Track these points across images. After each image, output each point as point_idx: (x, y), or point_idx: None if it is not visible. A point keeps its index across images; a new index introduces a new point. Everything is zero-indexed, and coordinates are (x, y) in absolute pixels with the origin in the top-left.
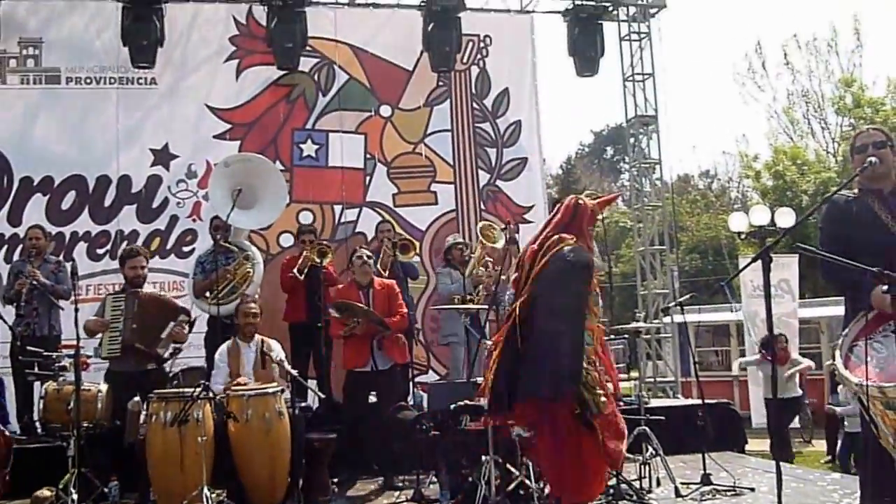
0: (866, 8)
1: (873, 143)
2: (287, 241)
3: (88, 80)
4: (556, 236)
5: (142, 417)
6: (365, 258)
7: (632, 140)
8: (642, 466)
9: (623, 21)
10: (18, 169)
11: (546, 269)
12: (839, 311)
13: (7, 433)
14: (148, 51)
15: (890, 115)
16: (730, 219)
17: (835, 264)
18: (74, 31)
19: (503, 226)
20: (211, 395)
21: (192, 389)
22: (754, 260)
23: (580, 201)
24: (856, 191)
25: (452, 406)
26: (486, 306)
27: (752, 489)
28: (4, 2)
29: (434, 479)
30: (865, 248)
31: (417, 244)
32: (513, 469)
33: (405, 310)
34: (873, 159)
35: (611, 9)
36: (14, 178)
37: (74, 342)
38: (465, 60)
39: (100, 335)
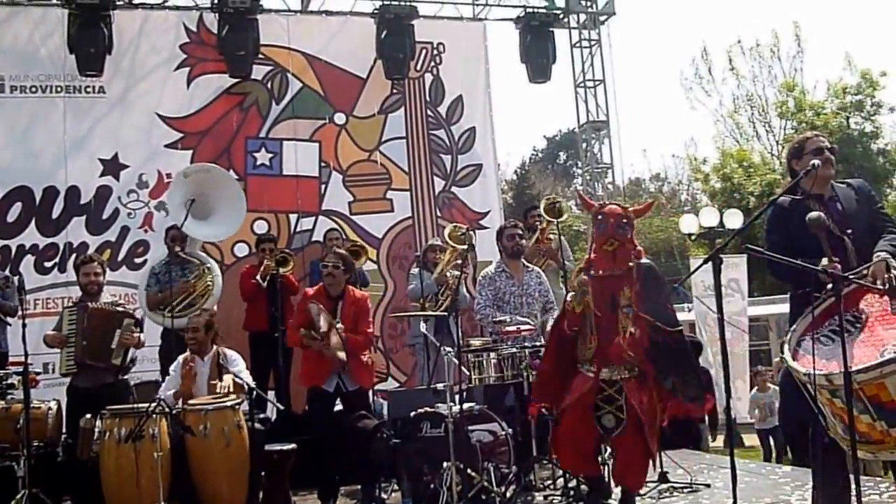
0: (806, 14)
1: (816, 149)
2: (242, 250)
3: (34, 89)
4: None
5: (95, 434)
6: (330, 268)
7: (584, 145)
8: (602, 466)
9: (574, 28)
10: None
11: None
12: (787, 308)
13: None
14: (96, 59)
15: (830, 118)
16: (680, 221)
17: (783, 263)
18: (18, 39)
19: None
20: (167, 409)
21: (146, 405)
22: (706, 261)
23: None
24: (798, 195)
25: (413, 413)
26: (445, 312)
27: (708, 485)
28: None
29: (396, 487)
30: (810, 248)
31: (370, 250)
32: (474, 474)
33: (371, 329)
34: (817, 162)
35: (562, 16)
36: None
37: (22, 359)
38: (418, 68)
39: (59, 350)
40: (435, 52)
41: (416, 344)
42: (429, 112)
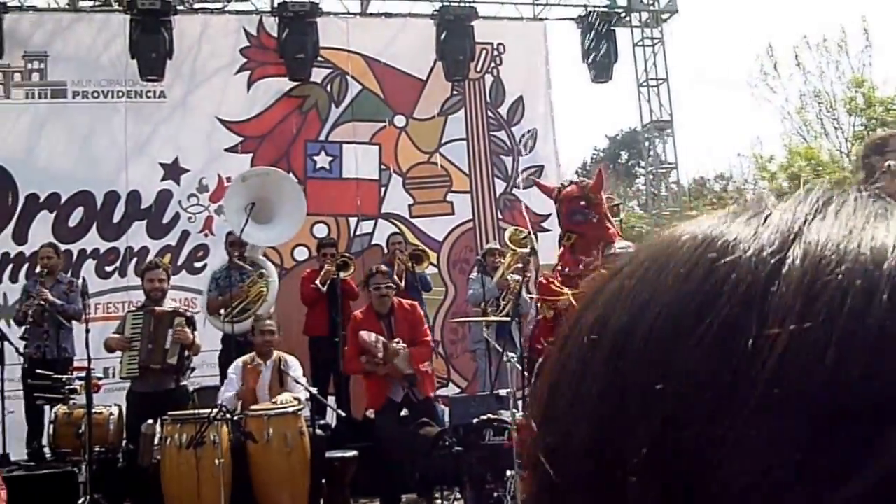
0: (874, 8)
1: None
2: (302, 254)
3: (96, 94)
4: None
5: (156, 440)
6: (383, 289)
7: (647, 144)
8: None
9: (636, 27)
10: (24, 185)
11: None
12: None
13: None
14: (157, 63)
15: None
16: None
17: None
18: (81, 45)
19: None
20: (228, 416)
21: (207, 410)
22: None
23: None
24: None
25: (475, 420)
26: (507, 318)
27: None
28: (8, 15)
29: (458, 496)
30: None
31: (432, 254)
32: None
33: (429, 336)
34: (892, 163)
35: (623, 15)
36: (19, 194)
37: (86, 364)
38: (478, 69)
39: (119, 353)
40: (495, 52)
41: (477, 349)
42: (489, 113)
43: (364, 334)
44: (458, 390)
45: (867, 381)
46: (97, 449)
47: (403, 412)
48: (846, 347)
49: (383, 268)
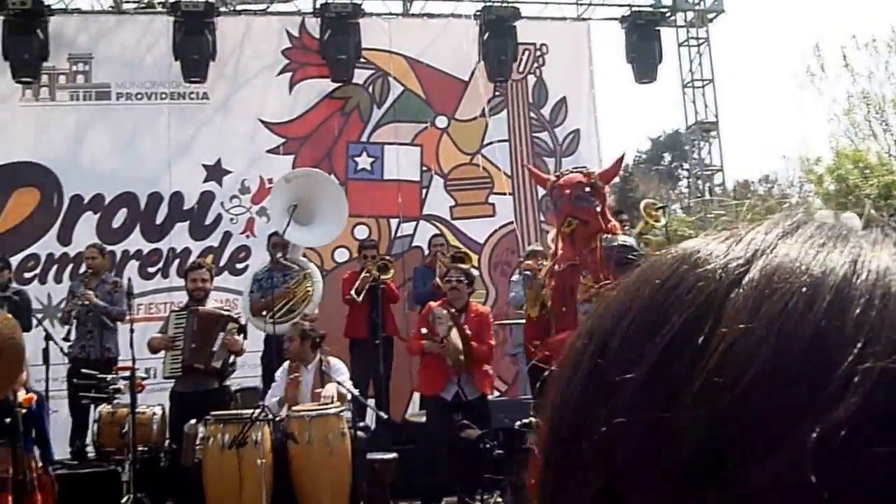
0: None
1: None
2: (342, 256)
3: (139, 96)
4: None
5: (198, 440)
6: (454, 282)
7: (691, 146)
8: None
9: (681, 27)
10: (69, 187)
11: None
12: None
13: (52, 477)
14: (200, 65)
15: None
16: None
17: None
18: (125, 47)
19: None
20: (270, 416)
21: (250, 411)
22: None
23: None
24: None
25: (517, 424)
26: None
27: None
28: (53, 18)
29: (499, 499)
30: None
31: (473, 257)
32: None
33: (493, 342)
34: None
35: (668, 15)
36: (64, 196)
37: (130, 364)
38: (521, 69)
39: (163, 353)
40: (538, 53)
41: (517, 353)
42: (532, 114)
43: (438, 309)
44: (498, 394)
45: (799, 375)
46: (140, 448)
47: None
48: (783, 345)
49: (460, 265)
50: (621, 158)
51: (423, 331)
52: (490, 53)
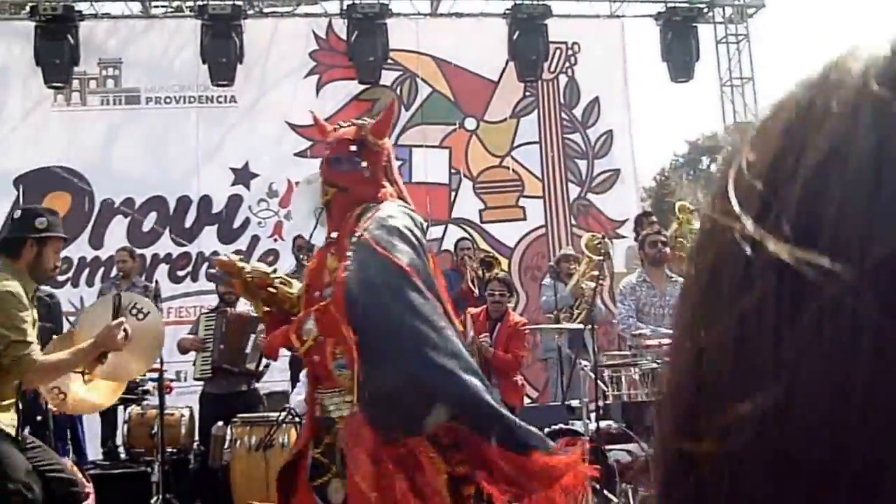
0: None
1: None
2: None
3: (168, 100)
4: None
5: (226, 442)
6: (497, 296)
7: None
8: None
9: (719, 23)
10: (100, 191)
11: None
12: None
13: (85, 479)
14: (227, 68)
15: None
16: None
17: None
18: (154, 51)
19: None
20: (296, 419)
21: (276, 414)
22: None
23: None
24: None
25: (546, 430)
26: (581, 325)
27: None
28: (84, 23)
29: None
30: None
31: (503, 261)
32: (612, 496)
33: (524, 353)
34: None
35: (706, 11)
36: (95, 200)
37: (158, 366)
38: (552, 69)
39: (193, 354)
40: (570, 52)
41: (548, 358)
42: (563, 115)
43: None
44: (528, 400)
45: None
46: (169, 450)
47: None
48: None
49: (501, 275)
50: (390, 106)
51: None
52: (520, 53)
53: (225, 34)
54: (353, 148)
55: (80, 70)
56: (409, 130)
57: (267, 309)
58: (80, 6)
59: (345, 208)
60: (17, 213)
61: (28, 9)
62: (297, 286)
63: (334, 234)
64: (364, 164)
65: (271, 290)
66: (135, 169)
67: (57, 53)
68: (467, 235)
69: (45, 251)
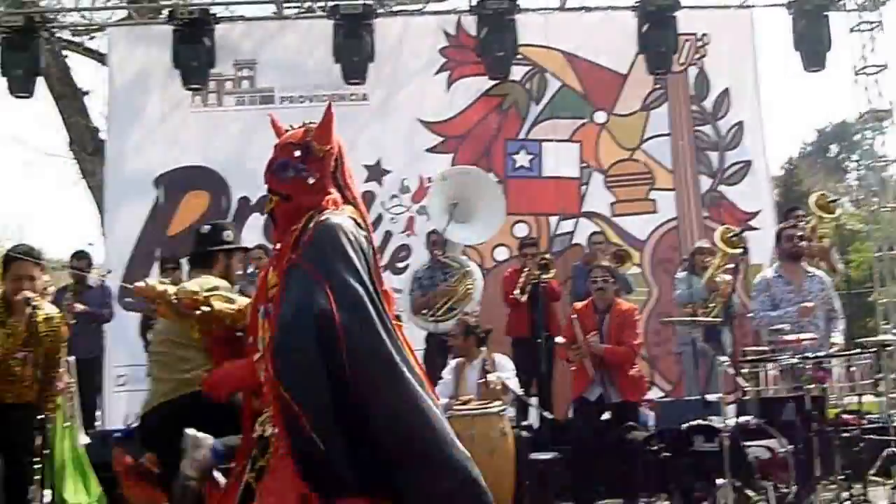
0: None
1: None
2: (501, 254)
3: (301, 99)
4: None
5: None
6: (599, 282)
7: (861, 137)
8: (893, 491)
9: (852, 10)
10: (236, 189)
11: None
12: None
13: None
14: (359, 67)
15: None
16: None
17: None
18: (287, 51)
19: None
20: None
21: None
22: None
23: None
24: None
25: (684, 425)
26: (718, 319)
27: None
28: (219, 25)
29: (665, 503)
30: None
31: (635, 254)
32: (751, 493)
33: (637, 341)
34: None
35: None
36: (232, 198)
37: None
38: (682, 61)
39: None
40: (699, 43)
41: (683, 352)
42: (694, 107)
43: (572, 318)
44: (661, 394)
45: None
46: None
47: (606, 415)
48: None
49: (604, 262)
50: (329, 108)
51: (559, 339)
52: (649, 45)
53: (357, 33)
54: (298, 153)
55: (217, 72)
56: (540, 125)
57: (204, 330)
58: (215, 9)
59: (289, 217)
60: (205, 229)
61: (166, 13)
62: (240, 301)
63: (278, 245)
64: (308, 170)
65: (204, 308)
66: None
67: (194, 56)
68: (598, 229)
69: (232, 262)
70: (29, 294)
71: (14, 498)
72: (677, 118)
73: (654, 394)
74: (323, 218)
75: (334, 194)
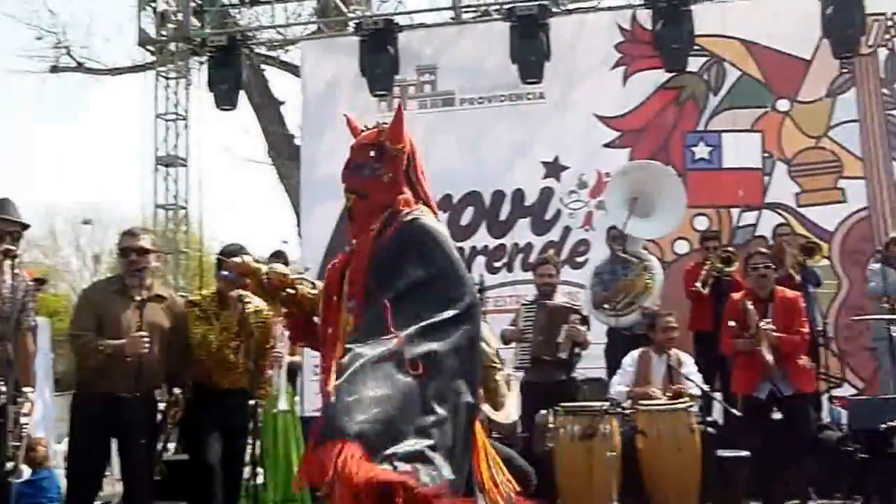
0: None
1: None
2: (682, 248)
3: (481, 100)
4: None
5: (549, 429)
6: (761, 269)
7: None
8: None
9: None
10: None
11: None
12: None
13: None
14: (536, 66)
15: None
16: None
17: None
18: (466, 55)
19: None
20: (619, 410)
21: (599, 403)
22: None
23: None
24: None
25: (883, 425)
26: None
27: None
28: (402, 34)
29: None
30: None
31: (824, 246)
32: None
33: (806, 329)
34: None
35: None
36: None
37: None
38: (870, 43)
39: (514, 344)
40: (889, 23)
41: (878, 347)
42: (884, 90)
43: (744, 302)
44: (853, 391)
45: None
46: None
47: (777, 415)
48: None
49: (762, 249)
50: (399, 109)
51: (731, 323)
52: (834, 28)
53: (532, 33)
54: (373, 153)
55: (400, 77)
56: (719, 116)
57: (286, 311)
58: (398, 19)
59: (366, 215)
60: None
61: (353, 26)
62: (320, 286)
63: (354, 241)
64: (383, 169)
65: (290, 291)
66: (451, 167)
67: (380, 64)
68: (784, 220)
69: None
70: (240, 292)
71: (230, 475)
72: (867, 103)
73: (845, 391)
74: (409, 218)
75: (407, 193)
